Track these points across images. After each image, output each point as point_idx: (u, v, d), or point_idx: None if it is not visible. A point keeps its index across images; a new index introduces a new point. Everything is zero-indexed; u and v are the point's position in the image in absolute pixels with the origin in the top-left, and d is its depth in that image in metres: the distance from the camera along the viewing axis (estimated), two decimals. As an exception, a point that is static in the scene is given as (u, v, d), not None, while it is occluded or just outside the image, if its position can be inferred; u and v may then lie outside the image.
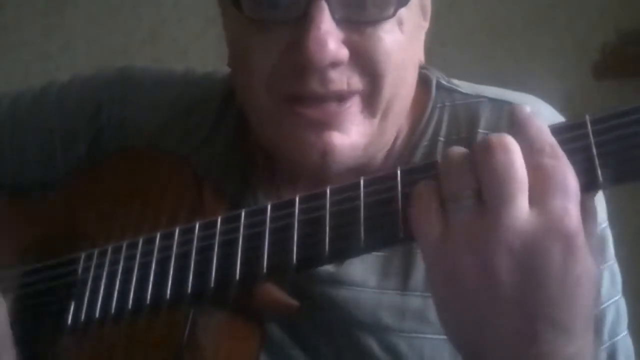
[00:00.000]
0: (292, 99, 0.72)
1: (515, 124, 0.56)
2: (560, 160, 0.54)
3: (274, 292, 0.69)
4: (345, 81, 0.71)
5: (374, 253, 0.77)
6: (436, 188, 0.57)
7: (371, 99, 0.73)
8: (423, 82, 0.85)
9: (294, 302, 0.70)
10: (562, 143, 0.55)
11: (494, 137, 0.55)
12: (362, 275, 0.77)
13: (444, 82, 0.85)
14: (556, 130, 0.57)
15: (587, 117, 0.57)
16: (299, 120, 0.72)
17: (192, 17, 2.07)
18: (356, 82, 0.72)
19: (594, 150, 0.55)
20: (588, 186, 0.55)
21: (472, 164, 0.55)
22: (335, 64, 0.70)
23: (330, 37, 0.68)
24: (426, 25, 0.82)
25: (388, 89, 0.73)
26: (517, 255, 0.52)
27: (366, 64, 0.72)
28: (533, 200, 0.53)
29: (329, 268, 0.77)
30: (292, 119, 0.73)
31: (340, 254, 0.64)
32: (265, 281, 0.67)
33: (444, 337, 0.72)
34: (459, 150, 0.57)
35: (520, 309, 0.53)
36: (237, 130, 0.85)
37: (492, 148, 0.54)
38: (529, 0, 2.01)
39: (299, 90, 0.71)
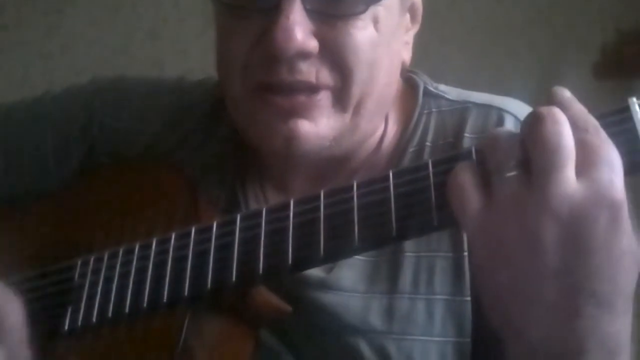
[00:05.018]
0: (264, 87, 0.74)
1: (557, 104, 0.56)
2: (603, 139, 0.54)
3: (268, 296, 0.69)
4: (314, 73, 0.72)
5: (363, 258, 0.78)
6: (473, 165, 0.57)
7: (341, 94, 0.74)
8: (410, 86, 0.86)
9: (286, 306, 0.70)
10: (605, 126, 0.55)
11: (544, 108, 0.55)
12: (351, 281, 0.78)
13: (431, 88, 0.86)
14: (599, 115, 0.57)
15: (631, 101, 0.57)
16: (268, 108, 0.74)
17: (192, 17, 2.07)
18: (325, 76, 0.73)
19: (639, 133, 0.55)
20: (630, 168, 0.55)
21: (517, 138, 0.55)
22: (303, 55, 0.71)
23: (298, 27, 0.69)
24: (415, 27, 0.82)
25: (358, 85, 0.74)
26: (565, 224, 0.52)
27: (335, 58, 0.73)
28: (580, 171, 0.53)
29: (319, 273, 0.77)
30: (263, 106, 0.74)
31: (335, 254, 0.65)
32: (261, 282, 0.68)
33: (432, 338, 0.74)
34: (502, 129, 0.58)
35: (565, 280, 0.53)
36: (230, 135, 0.86)
37: (542, 119, 0.54)
38: (529, 0, 2.01)
39: (269, 78, 0.73)
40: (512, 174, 0.54)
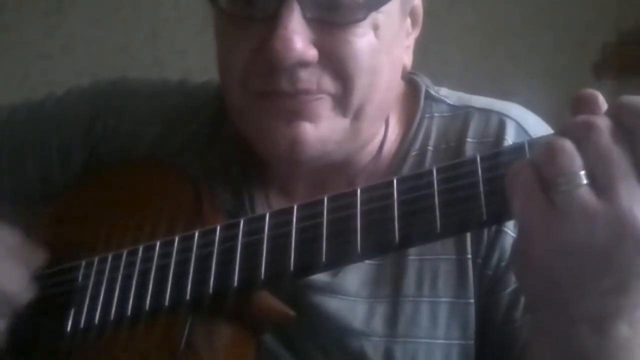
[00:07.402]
0: (264, 94, 0.73)
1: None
2: None
3: (271, 301, 0.69)
4: (315, 81, 0.72)
5: (368, 262, 0.77)
6: (532, 167, 0.55)
7: (342, 100, 0.74)
8: (412, 88, 0.86)
9: (290, 312, 0.70)
10: None
11: (596, 118, 0.53)
12: (356, 286, 0.78)
13: (432, 92, 0.85)
14: None
15: None
16: (270, 111, 0.74)
17: (192, 17, 2.07)
18: (326, 83, 0.73)
19: None
20: None
21: (573, 147, 0.54)
22: (303, 64, 0.71)
23: (297, 37, 0.69)
24: (416, 31, 0.82)
25: (359, 91, 0.74)
26: (633, 233, 0.52)
27: (335, 65, 0.72)
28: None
29: (323, 278, 0.77)
30: (264, 110, 0.74)
31: (338, 261, 0.64)
32: (263, 288, 0.67)
33: (436, 340, 0.75)
34: (551, 136, 0.55)
35: (622, 271, 0.53)
36: (234, 138, 0.85)
37: (598, 129, 0.53)
38: (529, 0, 2.01)
39: (269, 88, 0.73)
40: (582, 184, 0.53)
